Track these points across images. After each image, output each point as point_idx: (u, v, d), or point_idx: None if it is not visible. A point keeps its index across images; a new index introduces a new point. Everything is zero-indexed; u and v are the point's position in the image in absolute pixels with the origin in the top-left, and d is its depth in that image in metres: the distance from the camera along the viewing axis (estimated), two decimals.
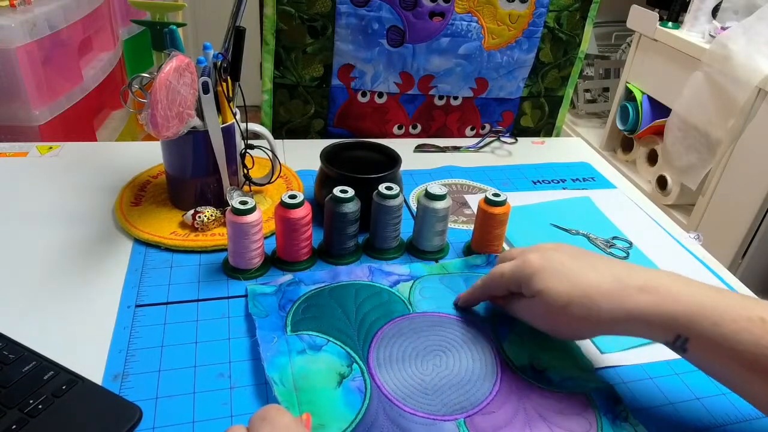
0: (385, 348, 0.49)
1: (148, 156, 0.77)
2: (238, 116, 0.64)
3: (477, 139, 0.93)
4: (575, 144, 1.00)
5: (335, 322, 0.51)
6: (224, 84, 0.61)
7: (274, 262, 0.60)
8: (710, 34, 1.52)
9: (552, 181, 0.84)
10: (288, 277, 0.57)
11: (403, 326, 0.52)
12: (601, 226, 0.72)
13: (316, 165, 0.67)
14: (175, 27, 0.60)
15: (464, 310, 0.55)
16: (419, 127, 0.96)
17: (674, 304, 0.41)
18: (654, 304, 0.42)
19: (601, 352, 0.52)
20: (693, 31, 1.58)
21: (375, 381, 0.46)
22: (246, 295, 0.55)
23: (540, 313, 0.47)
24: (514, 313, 0.50)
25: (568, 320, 0.45)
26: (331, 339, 0.49)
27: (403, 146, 0.75)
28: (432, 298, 0.56)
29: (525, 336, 0.52)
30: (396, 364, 0.48)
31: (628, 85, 1.81)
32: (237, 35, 0.60)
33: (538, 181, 0.83)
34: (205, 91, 0.59)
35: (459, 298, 0.55)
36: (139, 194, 0.69)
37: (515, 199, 0.69)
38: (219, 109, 0.61)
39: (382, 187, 0.60)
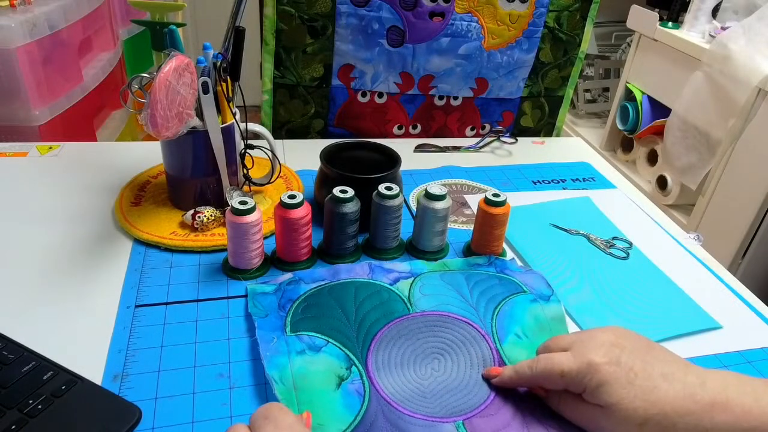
0: (383, 351, 0.49)
1: (148, 156, 0.77)
2: (237, 116, 0.64)
3: (477, 139, 0.93)
4: (575, 144, 1.00)
5: (334, 323, 0.51)
6: (224, 84, 0.61)
7: (273, 262, 0.60)
8: (710, 34, 1.52)
9: (552, 181, 0.84)
10: (288, 275, 0.57)
11: (402, 328, 0.52)
12: (601, 226, 0.72)
13: (316, 165, 0.67)
14: (175, 27, 0.60)
15: (464, 309, 0.54)
16: (419, 127, 0.96)
17: (748, 421, 0.39)
18: (730, 423, 0.39)
19: None
20: (693, 31, 1.58)
21: (374, 384, 0.46)
22: (246, 296, 0.55)
23: (601, 424, 0.42)
24: (562, 412, 0.45)
25: None
26: (330, 340, 0.49)
27: (403, 146, 0.75)
28: (432, 296, 0.55)
29: (524, 337, 0.52)
30: (395, 368, 0.48)
31: (628, 85, 1.81)
32: (237, 35, 0.60)
33: (538, 181, 0.83)
34: (205, 91, 0.59)
35: (491, 373, 0.48)
36: (139, 194, 0.69)
37: (515, 199, 0.69)
38: (219, 109, 0.61)
39: (382, 187, 0.60)
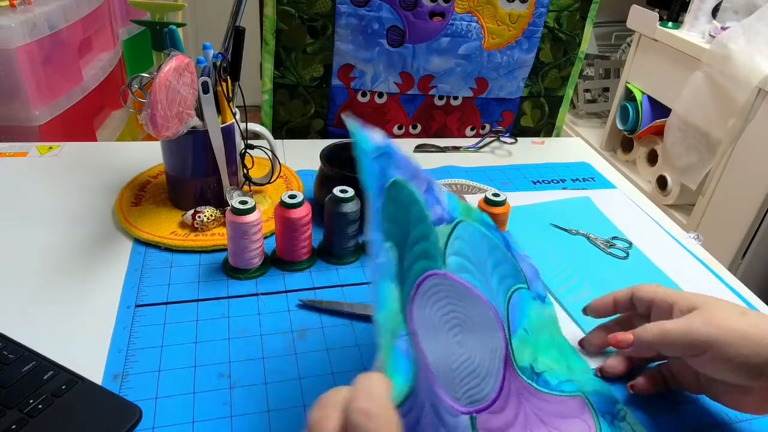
0: (419, 308, 0.39)
1: (148, 156, 0.77)
2: (238, 116, 0.64)
3: (477, 139, 0.93)
4: (575, 144, 1.00)
5: (400, 251, 0.41)
6: (224, 84, 0.61)
7: (274, 262, 0.60)
8: (710, 34, 1.52)
9: (552, 181, 0.84)
10: (380, 138, 0.44)
11: (433, 285, 0.42)
12: (601, 226, 0.72)
13: (316, 165, 0.67)
14: (175, 27, 0.60)
15: (484, 288, 0.49)
16: (419, 127, 0.96)
17: None
18: None
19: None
20: (693, 31, 1.58)
21: (418, 346, 0.37)
22: (245, 296, 0.55)
23: (710, 346, 0.41)
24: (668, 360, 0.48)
25: (745, 359, 0.40)
26: (395, 275, 0.38)
27: (403, 146, 0.75)
28: (459, 255, 0.46)
29: (529, 334, 0.51)
30: (431, 331, 0.39)
31: (628, 85, 1.81)
32: (237, 35, 0.60)
33: (538, 181, 0.83)
34: (205, 91, 0.59)
35: (589, 306, 0.52)
36: (139, 194, 0.69)
37: (515, 199, 0.69)
38: (219, 109, 0.61)
39: None
